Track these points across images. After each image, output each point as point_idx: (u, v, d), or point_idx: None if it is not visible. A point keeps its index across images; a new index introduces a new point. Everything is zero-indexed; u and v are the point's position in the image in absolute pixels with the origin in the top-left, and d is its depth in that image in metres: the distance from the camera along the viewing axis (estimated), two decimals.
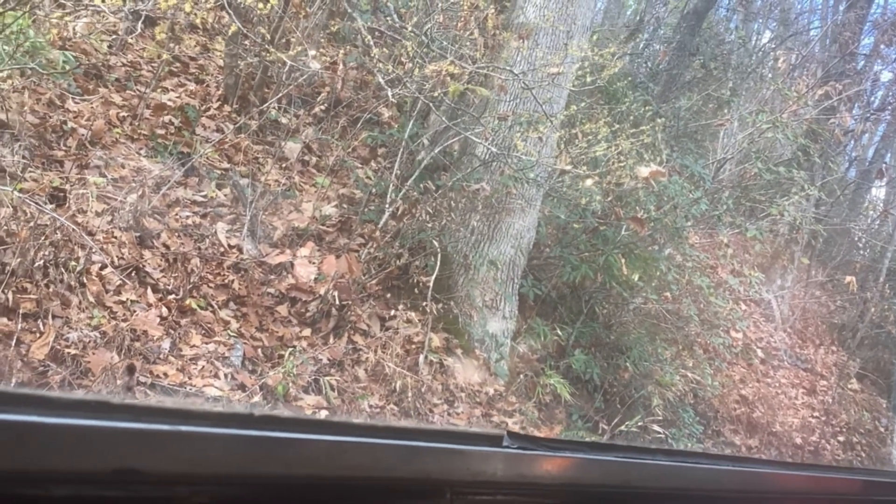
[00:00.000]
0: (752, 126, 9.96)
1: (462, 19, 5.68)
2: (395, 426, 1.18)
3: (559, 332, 7.23)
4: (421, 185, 6.60)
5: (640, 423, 6.81)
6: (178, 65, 7.23)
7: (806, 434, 9.69)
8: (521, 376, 6.80)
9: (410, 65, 5.99)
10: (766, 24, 17.52)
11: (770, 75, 13.06)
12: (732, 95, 11.26)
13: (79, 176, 5.36)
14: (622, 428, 6.76)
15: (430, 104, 6.37)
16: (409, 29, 5.71)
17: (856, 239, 15.05)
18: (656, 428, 7.11)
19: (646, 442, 6.76)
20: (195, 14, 5.56)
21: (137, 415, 0.76)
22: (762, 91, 13.15)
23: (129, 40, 6.83)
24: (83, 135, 5.72)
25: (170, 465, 0.78)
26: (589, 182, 6.50)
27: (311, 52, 5.64)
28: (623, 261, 7.17)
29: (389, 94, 5.45)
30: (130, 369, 4.44)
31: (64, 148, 5.59)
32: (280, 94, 6.85)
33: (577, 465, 1.23)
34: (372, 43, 5.56)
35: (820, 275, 13.49)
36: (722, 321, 8.86)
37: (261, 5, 5.50)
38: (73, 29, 5.73)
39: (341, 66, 5.88)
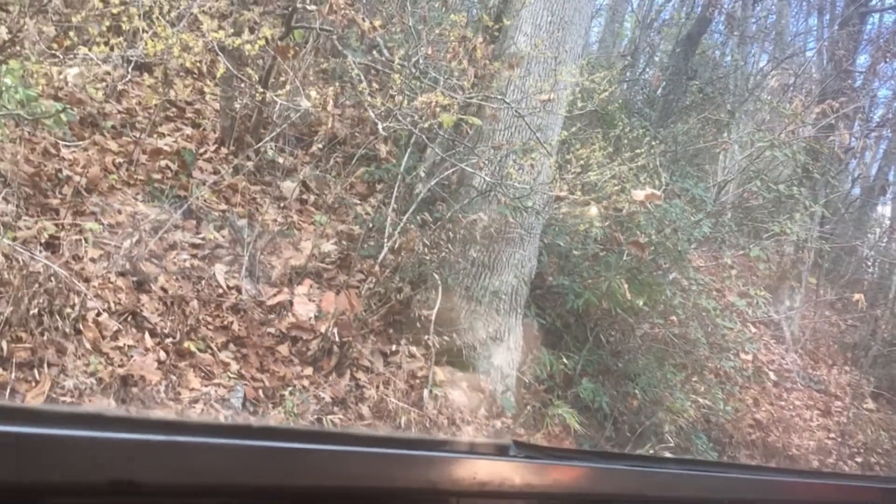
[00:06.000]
0: (751, 147, 9.95)
1: (451, 50, 5.71)
2: (398, 436, 1.17)
3: (566, 362, 7.14)
4: (418, 218, 6.57)
5: (651, 451, 6.70)
6: (173, 109, 7.26)
7: (823, 456, 9.53)
8: (529, 407, 6.71)
9: (400, 97, 6.00)
10: (762, 47, 17.62)
11: (768, 96, 13.09)
12: (730, 118, 11.27)
13: (73, 223, 5.36)
14: None
15: (425, 137, 6.37)
16: (397, 61, 5.73)
17: (863, 256, 14.95)
18: (669, 456, 6.99)
19: None
20: (183, 58, 5.57)
21: (133, 426, 0.76)
22: (760, 112, 13.15)
23: (123, 87, 6.87)
24: (78, 182, 5.72)
25: (167, 477, 0.77)
26: (587, 208, 6.47)
27: (304, 91, 5.66)
28: (626, 286, 7.09)
29: (380, 127, 5.45)
30: None
31: (59, 196, 5.59)
32: (275, 133, 6.86)
33: (587, 474, 1.23)
34: (362, 78, 5.58)
35: (829, 294, 13.37)
36: (731, 344, 8.74)
37: (248, 46, 5.53)
38: (65, 79, 5.77)
39: (331, 104, 5.89)
